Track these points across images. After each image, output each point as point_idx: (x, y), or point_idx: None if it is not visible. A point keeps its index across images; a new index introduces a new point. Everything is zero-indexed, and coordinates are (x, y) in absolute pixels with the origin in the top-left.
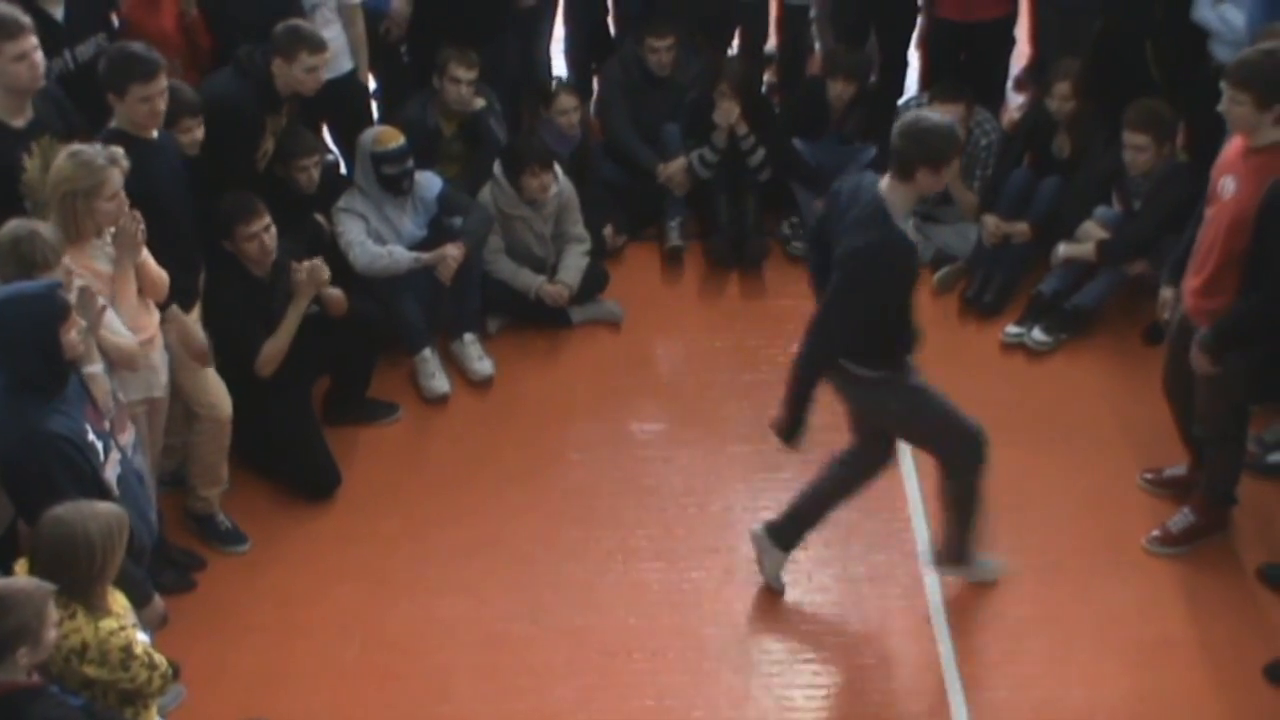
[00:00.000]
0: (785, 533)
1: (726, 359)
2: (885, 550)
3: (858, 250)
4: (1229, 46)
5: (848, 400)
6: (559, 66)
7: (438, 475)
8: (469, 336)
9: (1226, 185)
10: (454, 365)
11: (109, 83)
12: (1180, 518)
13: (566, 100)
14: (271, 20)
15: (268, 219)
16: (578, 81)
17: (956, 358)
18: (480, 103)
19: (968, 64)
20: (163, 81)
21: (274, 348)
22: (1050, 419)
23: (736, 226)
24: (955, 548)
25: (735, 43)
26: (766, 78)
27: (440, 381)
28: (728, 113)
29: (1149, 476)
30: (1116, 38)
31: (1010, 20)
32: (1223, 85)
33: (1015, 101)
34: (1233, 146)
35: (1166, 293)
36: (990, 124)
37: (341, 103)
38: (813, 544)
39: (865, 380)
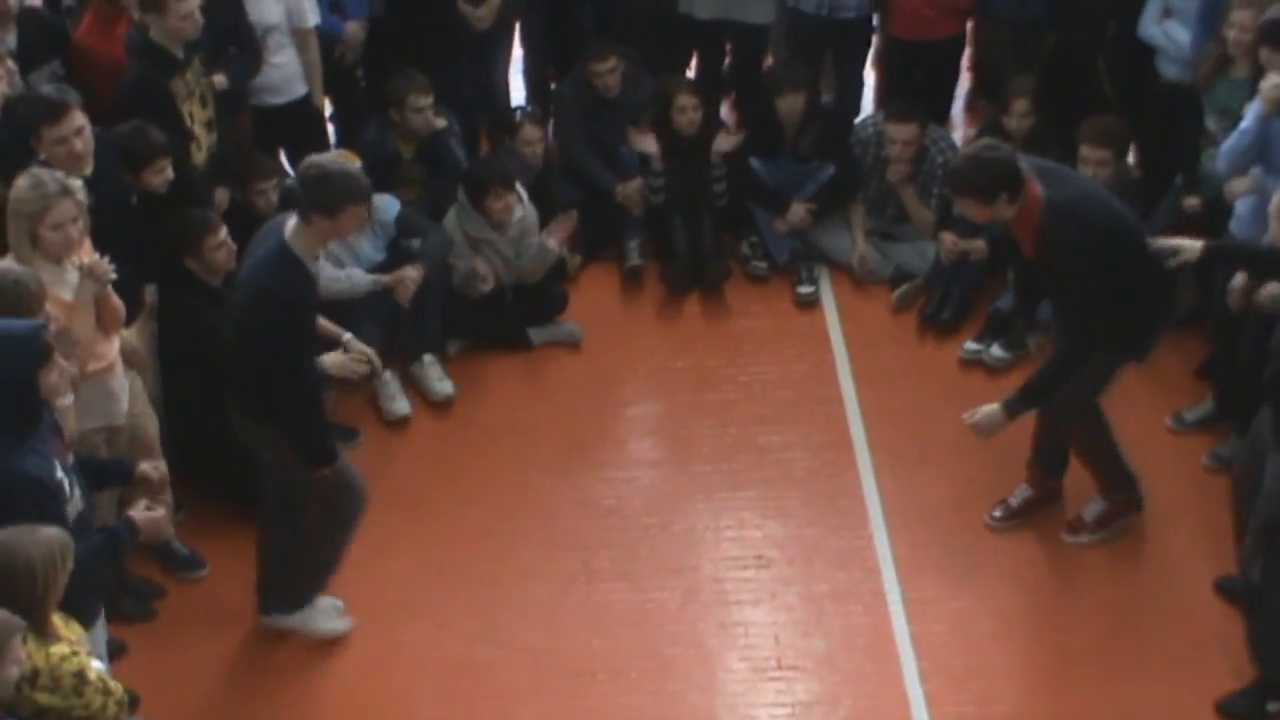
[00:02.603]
0: None
1: (687, 379)
2: (847, 568)
3: (261, 292)
4: (1176, 63)
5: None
6: (516, 88)
7: (399, 498)
8: (429, 358)
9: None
10: (414, 387)
11: (23, 127)
12: (1093, 505)
13: (531, 131)
14: (223, 45)
15: (224, 229)
16: (537, 103)
17: (915, 374)
18: (442, 122)
19: (922, 83)
20: (76, 120)
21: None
22: (1009, 433)
23: (694, 249)
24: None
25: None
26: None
27: (401, 404)
28: (725, 140)
29: (1001, 512)
30: (1069, 54)
31: (962, 39)
32: (952, 198)
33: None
34: None
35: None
36: (946, 142)
37: (297, 127)
38: (775, 562)
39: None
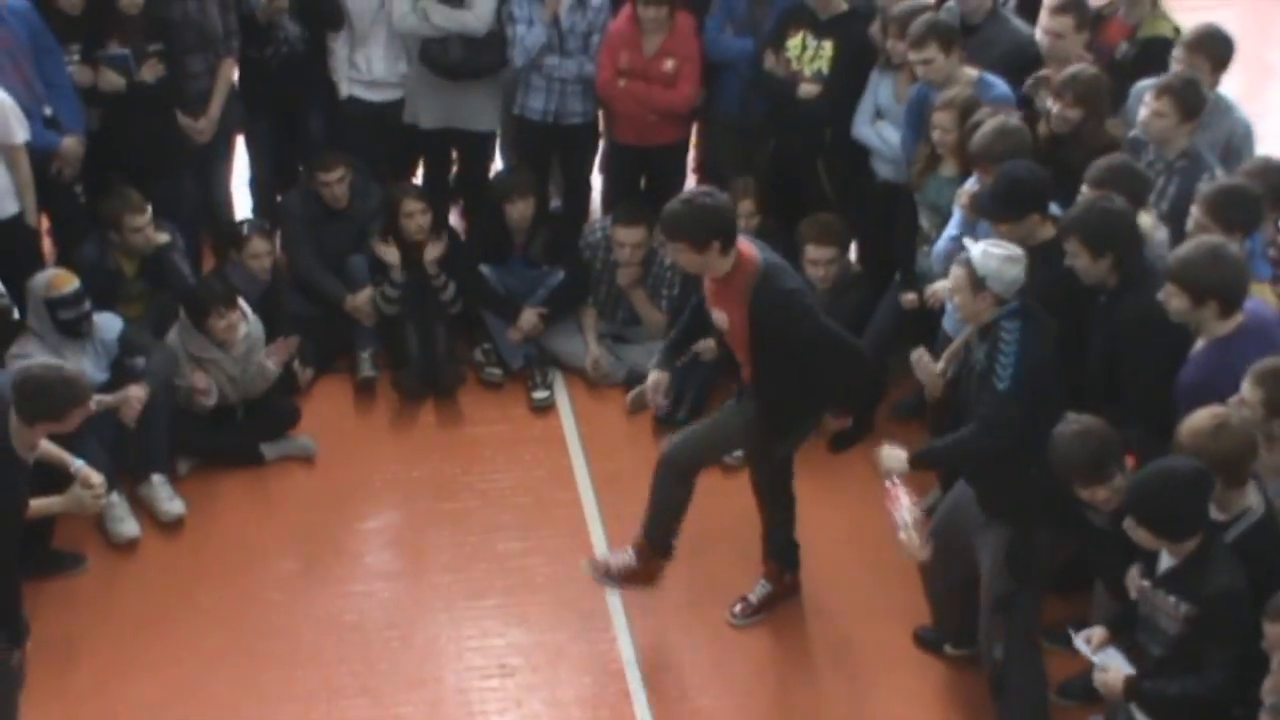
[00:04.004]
0: None
1: (424, 488)
2: (592, 671)
3: None
4: (889, 163)
5: None
6: (240, 201)
7: (129, 624)
8: (158, 478)
9: (720, 318)
10: (143, 508)
11: None
12: (760, 588)
13: (259, 244)
14: None
15: None
16: (264, 215)
17: (650, 475)
18: (163, 238)
19: (649, 186)
20: None
21: None
22: (746, 529)
23: (427, 356)
24: None
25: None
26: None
27: (129, 525)
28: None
29: (736, 610)
30: (789, 156)
31: (685, 144)
32: (666, 242)
33: None
34: (708, 281)
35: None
36: None
37: (9, 246)
38: (520, 670)
39: None
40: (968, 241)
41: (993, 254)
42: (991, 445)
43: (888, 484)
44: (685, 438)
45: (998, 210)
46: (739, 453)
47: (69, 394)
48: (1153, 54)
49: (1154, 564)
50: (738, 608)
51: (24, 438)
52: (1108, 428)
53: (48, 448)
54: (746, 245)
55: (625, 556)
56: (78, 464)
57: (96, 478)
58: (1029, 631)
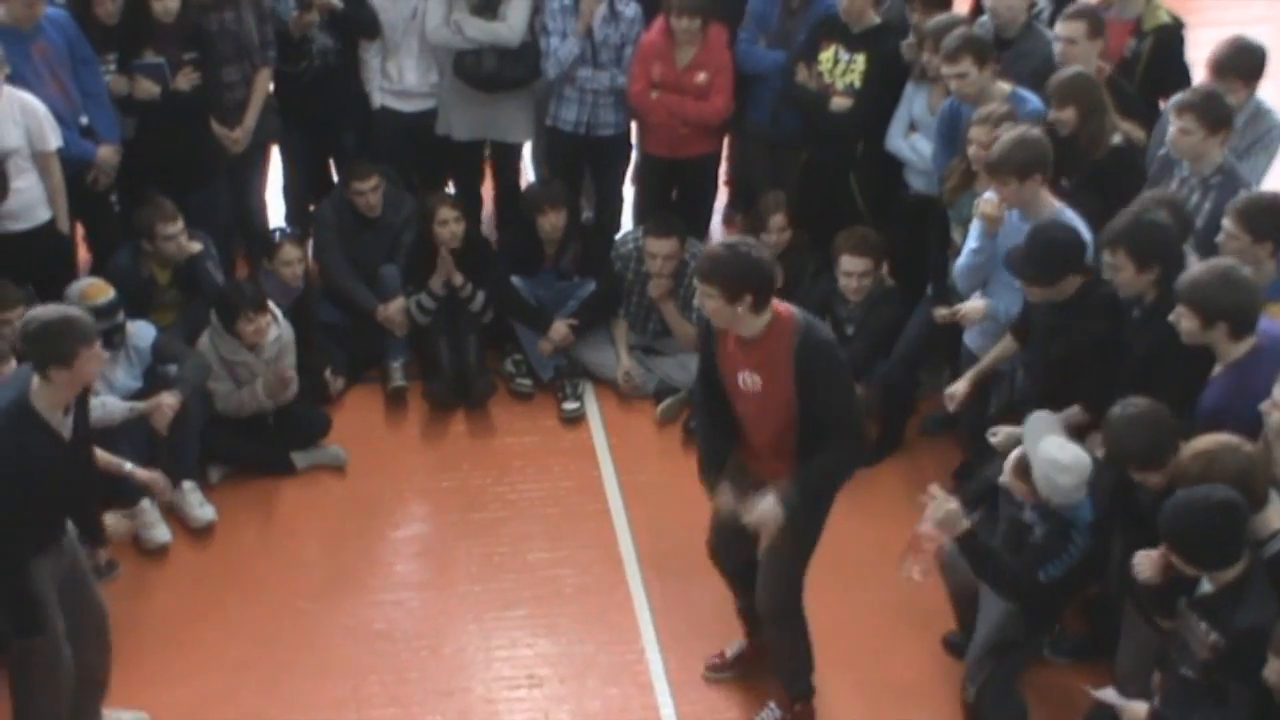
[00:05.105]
0: None
1: (454, 499)
2: (620, 683)
3: None
4: (922, 176)
5: None
6: (274, 210)
7: (159, 632)
8: (189, 484)
9: (747, 380)
10: (174, 515)
11: None
12: (768, 714)
13: (291, 251)
14: None
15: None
16: (297, 224)
17: (682, 487)
18: (196, 247)
19: (680, 198)
20: None
21: None
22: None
23: (458, 367)
24: None
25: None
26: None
27: (161, 531)
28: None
29: (714, 663)
30: (821, 169)
31: (717, 156)
32: (698, 284)
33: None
34: (729, 343)
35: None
36: None
37: (42, 254)
38: (548, 681)
39: None
40: (1028, 437)
41: (1049, 463)
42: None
43: (925, 532)
44: (763, 586)
45: (1033, 273)
46: None
47: (73, 332)
48: (1165, 42)
49: (1195, 585)
50: (715, 660)
51: (45, 396)
52: (1165, 411)
53: (103, 456)
54: (781, 304)
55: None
56: (128, 466)
57: (148, 475)
58: (1009, 680)
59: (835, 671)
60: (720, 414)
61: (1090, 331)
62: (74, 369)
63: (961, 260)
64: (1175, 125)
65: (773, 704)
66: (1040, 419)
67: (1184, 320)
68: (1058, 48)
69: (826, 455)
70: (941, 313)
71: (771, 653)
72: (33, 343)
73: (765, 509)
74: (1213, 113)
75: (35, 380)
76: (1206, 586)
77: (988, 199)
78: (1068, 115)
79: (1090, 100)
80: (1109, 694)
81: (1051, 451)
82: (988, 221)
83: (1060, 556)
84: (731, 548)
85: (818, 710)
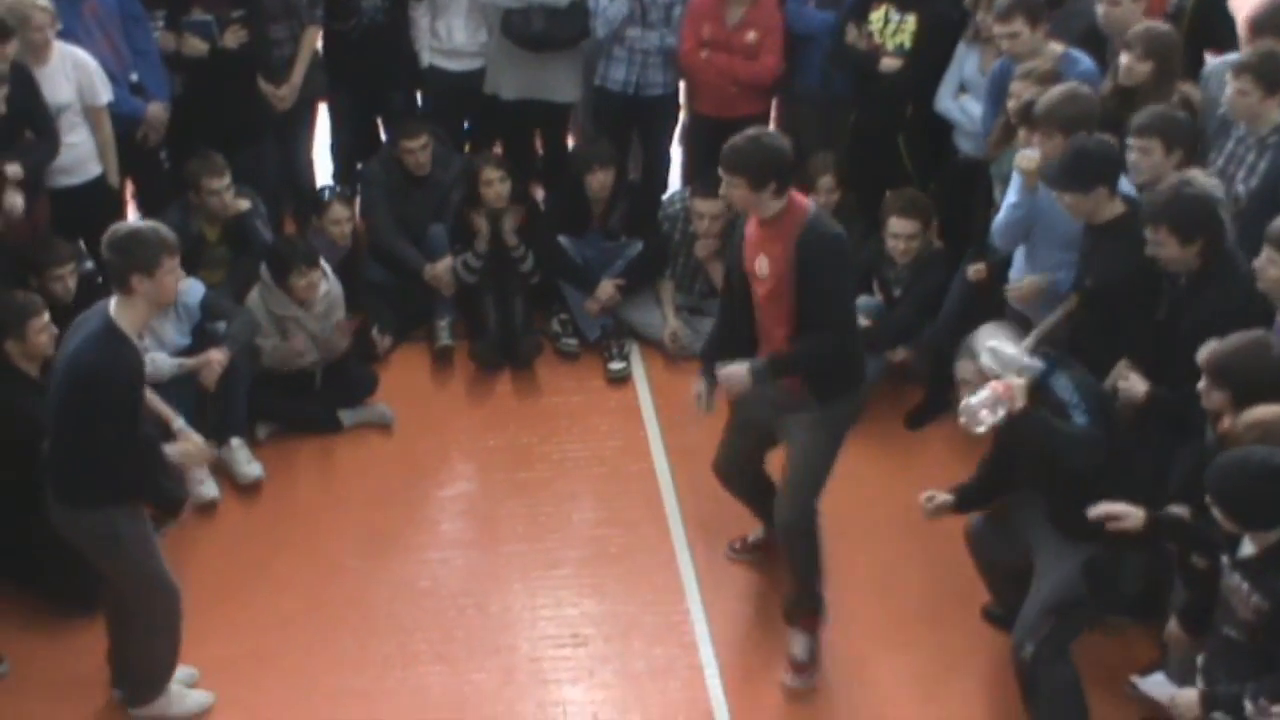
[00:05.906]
0: None
1: (500, 458)
2: (664, 644)
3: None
4: (971, 138)
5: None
6: (321, 168)
7: (206, 588)
8: (236, 441)
9: (761, 265)
10: (222, 471)
11: None
12: (799, 645)
13: (339, 210)
14: (17, 130)
15: (46, 315)
16: (345, 182)
17: None
18: (244, 204)
19: None
20: None
21: None
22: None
23: (505, 327)
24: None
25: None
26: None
27: (209, 487)
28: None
29: (736, 546)
30: (870, 131)
31: (765, 117)
32: (723, 175)
33: None
34: (750, 228)
35: (700, 386)
36: None
37: (93, 208)
38: (592, 640)
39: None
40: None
41: (990, 348)
42: (1084, 464)
43: (998, 377)
44: (780, 504)
45: (1065, 181)
46: None
47: (158, 239)
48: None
49: (1237, 544)
50: (736, 544)
51: (126, 315)
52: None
53: (152, 400)
54: (802, 196)
55: (803, 643)
56: (179, 422)
57: (196, 437)
58: (1066, 640)
59: (880, 634)
60: (738, 310)
61: (1123, 259)
62: (156, 279)
63: (1001, 216)
64: (1233, 86)
65: (797, 632)
66: (986, 327)
67: (1270, 268)
68: (1100, 9)
69: (804, 342)
70: (977, 268)
71: (789, 570)
72: (119, 250)
73: (730, 370)
74: (1271, 74)
75: (114, 301)
76: (1249, 548)
77: (1027, 154)
78: (1144, 69)
79: (1171, 61)
80: (1155, 683)
81: (990, 338)
82: (1027, 176)
83: (1068, 403)
84: (733, 468)
85: (866, 675)
